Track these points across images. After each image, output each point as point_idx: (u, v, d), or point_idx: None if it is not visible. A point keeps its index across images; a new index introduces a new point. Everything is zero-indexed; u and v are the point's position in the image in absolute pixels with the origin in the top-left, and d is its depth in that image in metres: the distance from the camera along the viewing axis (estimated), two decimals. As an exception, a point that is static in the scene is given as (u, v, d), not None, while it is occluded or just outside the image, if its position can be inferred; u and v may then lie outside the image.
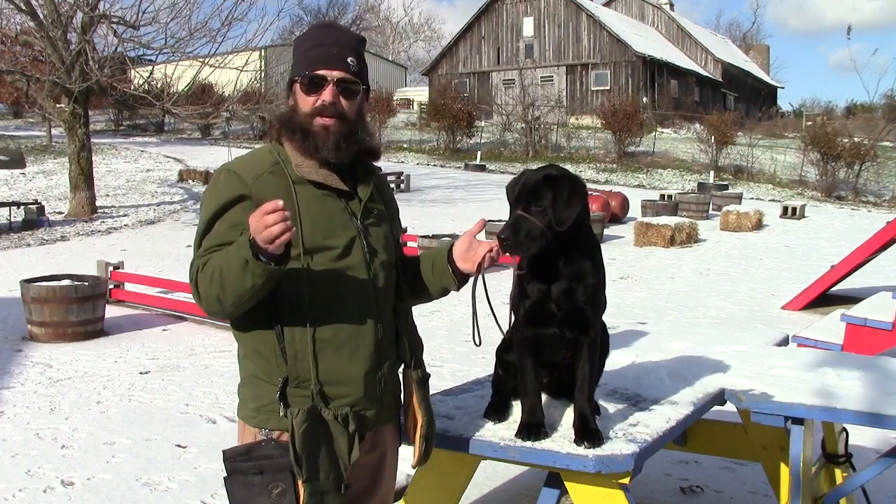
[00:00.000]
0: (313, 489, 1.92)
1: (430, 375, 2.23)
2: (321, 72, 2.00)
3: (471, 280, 2.21)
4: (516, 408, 2.46)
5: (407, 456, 2.32)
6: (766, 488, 3.79)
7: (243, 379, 2.06)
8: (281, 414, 1.93)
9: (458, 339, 7.62)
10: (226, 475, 1.97)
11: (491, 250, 2.14)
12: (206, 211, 1.99)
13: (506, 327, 2.27)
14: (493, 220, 14.24)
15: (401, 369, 2.19)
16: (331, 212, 2.02)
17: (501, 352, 2.56)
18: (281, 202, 1.75)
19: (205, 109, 18.39)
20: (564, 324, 2.29)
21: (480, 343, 2.24)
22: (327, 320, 1.97)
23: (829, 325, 6.44)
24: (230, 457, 1.97)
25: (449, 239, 11.38)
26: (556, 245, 2.22)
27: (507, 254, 2.20)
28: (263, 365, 1.98)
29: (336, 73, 2.00)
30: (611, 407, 2.59)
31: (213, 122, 24.21)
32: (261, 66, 21.81)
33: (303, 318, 1.96)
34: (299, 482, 1.91)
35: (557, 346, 2.36)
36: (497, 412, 2.50)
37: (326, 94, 2.00)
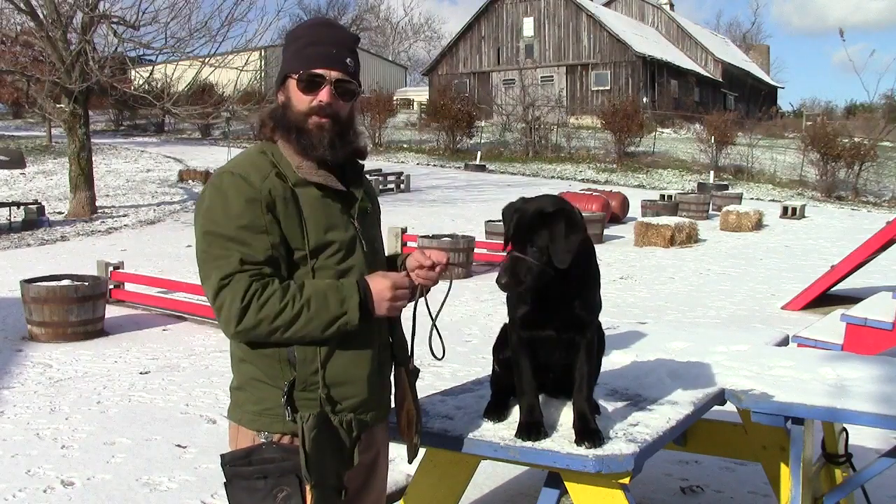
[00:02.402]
0: (321, 494, 1.93)
1: (419, 371, 2.26)
2: (320, 71, 1.97)
3: (440, 290, 2.21)
4: (516, 407, 2.46)
5: (404, 454, 2.32)
6: (766, 488, 3.79)
7: (241, 382, 2.03)
8: (288, 418, 1.93)
9: (459, 339, 7.62)
10: (226, 480, 1.96)
11: (433, 268, 2.08)
12: (218, 219, 1.89)
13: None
14: (494, 220, 14.29)
15: (392, 370, 2.22)
16: (331, 213, 2.01)
17: (497, 350, 2.56)
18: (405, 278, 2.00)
19: (205, 109, 18.37)
20: (560, 327, 2.31)
21: (414, 363, 2.25)
22: None
23: (829, 325, 6.44)
24: (229, 461, 1.96)
25: (449, 240, 11.38)
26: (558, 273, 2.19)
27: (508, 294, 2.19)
28: (267, 369, 1.97)
29: (334, 74, 1.98)
30: (611, 407, 2.59)
31: (213, 122, 24.21)
32: (261, 66, 21.81)
33: None
34: (307, 487, 1.91)
35: (554, 348, 2.36)
36: (496, 412, 2.50)
37: (324, 95, 1.98)
